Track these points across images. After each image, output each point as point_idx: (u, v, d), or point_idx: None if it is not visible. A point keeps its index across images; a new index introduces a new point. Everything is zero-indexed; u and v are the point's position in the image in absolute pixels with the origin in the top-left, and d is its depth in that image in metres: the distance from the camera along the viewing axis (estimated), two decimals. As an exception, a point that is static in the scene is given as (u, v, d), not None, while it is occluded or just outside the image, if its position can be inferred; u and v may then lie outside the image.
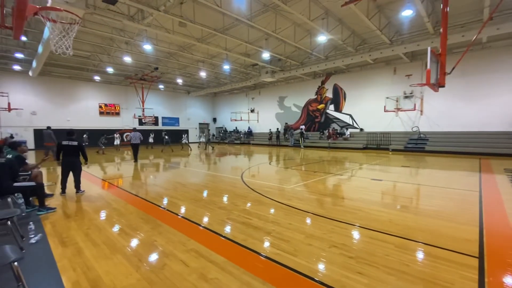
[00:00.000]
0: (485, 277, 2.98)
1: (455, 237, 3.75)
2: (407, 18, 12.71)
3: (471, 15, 12.18)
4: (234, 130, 31.90)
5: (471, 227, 4.02)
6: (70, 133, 5.96)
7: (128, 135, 12.95)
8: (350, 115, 20.44)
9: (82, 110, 24.01)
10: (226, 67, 20.36)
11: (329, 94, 21.96)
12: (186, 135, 23.21)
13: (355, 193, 5.80)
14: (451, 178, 7.34)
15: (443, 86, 6.73)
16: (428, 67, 6.15)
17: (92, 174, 9.23)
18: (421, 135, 15.96)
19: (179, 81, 26.25)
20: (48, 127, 13.02)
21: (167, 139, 21.67)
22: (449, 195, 5.54)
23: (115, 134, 21.51)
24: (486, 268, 3.11)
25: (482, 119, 14.39)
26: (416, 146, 15.45)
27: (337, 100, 21.42)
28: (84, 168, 10.64)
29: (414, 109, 16.51)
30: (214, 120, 35.89)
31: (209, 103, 35.77)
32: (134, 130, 12.85)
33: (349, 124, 20.52)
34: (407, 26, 13.59)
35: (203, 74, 22.66)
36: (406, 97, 17.04)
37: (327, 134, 19.47)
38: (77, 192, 5.97)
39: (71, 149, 5.83)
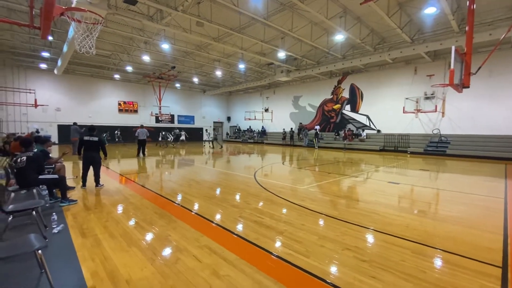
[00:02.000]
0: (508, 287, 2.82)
1: (476, 245, 3.57)
2: (430, 15, 12.20)
3: (499, 13, 11.50)
4: (247, 129, 32.02)
5: (495, 235, 3.81)
6: (91, 129, 6.23)
7: (135, 130, 13.58)
8: (367, 116, 20.02)
9: (103, 107, 24.96)
10: (242, 66, 20.45)
11: (346, 94, 21.59)
12: (182, 131, 22.93)
13: (371, 196, 5.67)
14: (474, 184, 6.99)
15: (468, 87, 6.41)
16: (452, 67, 5.87)
17: (111, 169, 9.57)
18: (442, 138, 15.30)
19: (195, 80, 26.67)
20: (75, 123, 13.68)
21: (181, 137, 22.06)
22: (472, 201, 5.28)
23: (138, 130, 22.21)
24: (510, 278, 2.94)
25: (509, 122, 13.58)
26: (437, 149, 14.83)
27: (354, 100, 21.02)
28: (103, 163, 11.06)
29: (435, 111, 15.85)
30: (229, 119, 36.19)
31: (224, 102, 36.09)
32: (142, 127, 13.52)
33: (366, 125, 20.12)
34: (430, 24, 13.04)
35: (218, 73, 22.89)
36: (427, 98, 16.40)
37: (343, 135, 19.14)
38: (96, 186, 6.22)
39: (92, 144, 6.08)
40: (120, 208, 4.76)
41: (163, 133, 22.74)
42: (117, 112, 25.93)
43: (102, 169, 10.11)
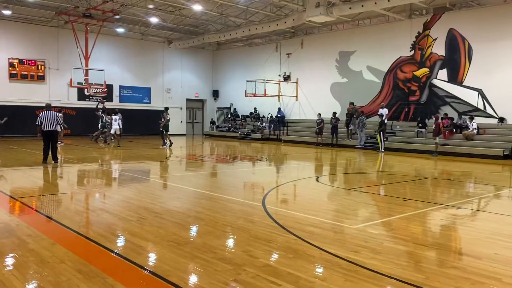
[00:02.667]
0: None
1: None
2: None
3: None
4: (251, 114, 32.15)
5: None
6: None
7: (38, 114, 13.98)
8: (480, 91, 19.96)
9: (-19, 71, 25.38)
10: (241, -6, 20.48)
11: (439, 50, 21.55)
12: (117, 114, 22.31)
13: (485, 245, 5.60)
14: None
15: None
16: None
17: (-6, 187, 9.66)
18: None
19: (153, 20, 26.84)
20: None
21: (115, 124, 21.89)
22: None
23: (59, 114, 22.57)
24: None
25: None
26: None
27: (454, 61, 20.97)
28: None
29: None
30: (215, 94, 36.42)
31: (207, 63, 36.35)
32: (49, 108, 13.99)
33: (477, 109, 19.98)
34: None
35: (197, 7, 22.98)
36: None
37: (434, 126, 19.00)
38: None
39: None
40: (10, 262, 4.79)
41: (103, 118, 22.77)
42: (6, 79, 26.34)
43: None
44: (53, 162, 13.67)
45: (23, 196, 8.64)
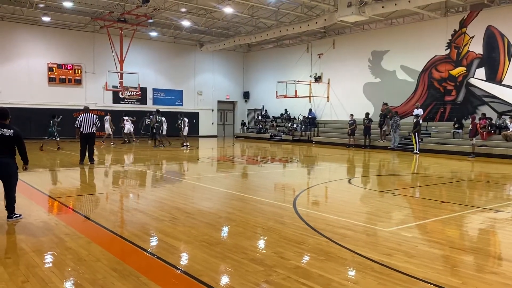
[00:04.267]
0: None
1: None
2: None
3: None
4: (282, 115, 32.10)
5: None
6: (1, 115, 6.55)
7: (77, 116, 14.53)
8: (521, 90, 19.20)
9: (20, 75, 26.40)
10: (272, -4, 20.49)
11: (476, 48, 20.94)
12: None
13: (528, 250, 5.46)
14: None
15: None
16: None
17: (32, 186, 10.05)
18: None
19: (185, 23, 27.24)
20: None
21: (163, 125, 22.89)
22: None
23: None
24: None
25: None
26: None
27: (493, 59, 20.32)
28: (21, 174, 11.63)
29: None
30: (246, 95, 36.58)
31: (238, 64, 36.57)
32: (86, 110, 14.37)
33: (518, 109, 19.29)
34: None
35: (228, 10, 23.17)
36: None
37: (470, 127, 18.46)
38: (9, 217, 6.55)
39: (0, 142, 6.40)
40: (49, 259, 4.96)
41: (152, 119, 23.55)
42: (45, 83, 27.33)
43: (20, 185, 10.66)
44: (89, 163, 13.95)
45: (61, 196, 8.94)
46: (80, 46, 28.31)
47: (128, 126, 24.70)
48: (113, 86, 26.62)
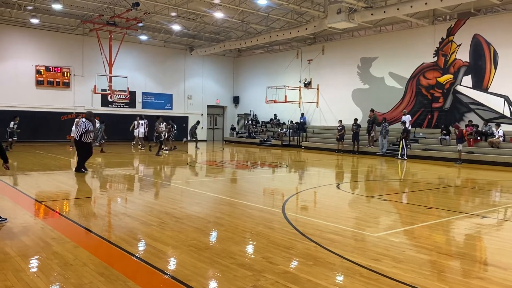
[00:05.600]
0: None
1: None
2: None
3: None
4: (271, 120, 32.16)
5: None
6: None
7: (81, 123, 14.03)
8: (506, 98, 19.61)
9: (7, 77, 26.09)
10: (262, 1, 20.64)
11: (463, 55, 21.20)
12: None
13: (511, 255, 5.52)
14: None
15: None
16: None
17: (18, 190, 9.89)
18: None
19: (176, 28, 27.21)
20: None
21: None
22: None
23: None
24: None
25: None
26: None
27: (479, 67, 20.61)
28: (6, 177, 11.50)
29: None
30: (235, 100, 36.60)
31: (228, 69, 36.59)
32: (90, 116, 13.39)
33: (503, 116, 19.62)
34: None
35: (219, 14, 23.19)
36: None
37: (456, 133, 18.69)
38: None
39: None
40: (35, 264, 4.90)
41: (162, 124, 22.95)
42: (33, 85, 27.05)
43: (5, 189, 10.53)
44: (82, 170, 13.09)
45: (47, 200, 8.84)
46: (69, 49, 28.08)
47: (142, 130, 23.85)
48: (102, 90, 26.49)
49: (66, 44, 27.99)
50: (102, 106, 29.12)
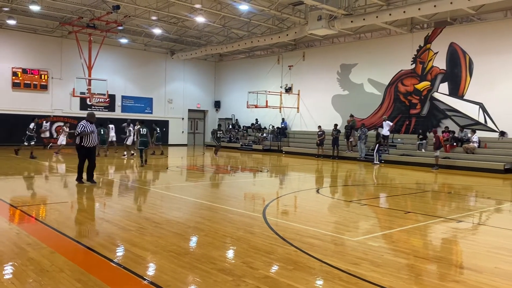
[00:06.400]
0: None
1: None
2: None
3: None
4: (253, 125, 32.20)
5: None
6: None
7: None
8: (480, 105, 19.99)
9: (-15, 80, 25.52)
10: (244, 6, 20.68)
11: (439, 63, 21.62)
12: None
13: (486, 259, 5.60)
14: None
15: None
16: None
17: (-5, 195, 9.66)
18: None
19: (156, 31, 27.03)
20: None
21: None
22: None
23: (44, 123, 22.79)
24: None
25: None
26: None
27: (455, 74, 21.05)
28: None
29: None
30: (217, 105, 36.53)
31: (209, 74, 36.52)
32: (91, 117, 11.66)
33: (478, 122, 20.02)
34: None
35: (200, 19, 23.15)
36: None
37: (434, 140, 19.03)
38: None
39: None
40: (9, 270, 4.78)
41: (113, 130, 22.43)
42: (9, 87, 26.47)
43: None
44: (89, 182, 11.48)
45: (23, 205, 8.65)
46: (47, 51, 27.62)
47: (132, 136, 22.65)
48: (81, 93, 26.09)
49: (44, 46, 27.52)
50: (80, 109, 28.68)
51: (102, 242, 5.93)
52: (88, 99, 26.66)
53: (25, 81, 26.78)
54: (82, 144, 11.03)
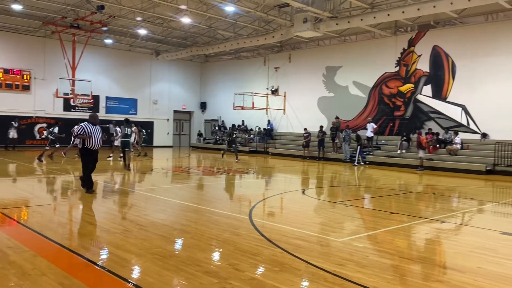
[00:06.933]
0: None
1: None
2: None
3: None
4: (239, 126, 32.15)
5: None
6: None
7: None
8: (463, 107, 20.28)
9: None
10: (230, 8, 20.66)
11: (423, 66, 21.87)
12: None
13: (469, 259, 5.68)
14: None
15: None
16: None
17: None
18: None
19: (142, 32, 26.84)
20: None
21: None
22: None
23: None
24: None
25: None
26: None
27: (439, 77, 21.31)
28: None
29: None
30: (203, 106, 36.40)
31: (195, 75, 36.39)
32: (94, 119, 10.67)
33: (460, 124, 20.29)
34: None
35: (186, 20, 23.06)
36: None
37: (417, 141, 19.25)
38: None
39: None
40: (-10, 273, 4.68)
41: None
42: (-8, 88, 25.98)
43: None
44: (89, 190, 10.42)
45: (4, 208, 8.48)
46: (29, 51, 27.20)
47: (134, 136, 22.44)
48: (64, 93, 25.74)
49: (27, 46, 27.11)
50: (64, 110, 28.35)
51: (86, 245, 5.86)
52: (71, 100, 26.31)
53: (7, 82, 26.32)
54: (86, 146, 10.12)
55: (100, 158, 10.91)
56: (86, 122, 10.30)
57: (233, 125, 22.24)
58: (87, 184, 10.31)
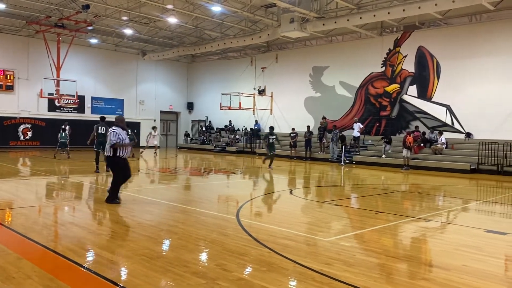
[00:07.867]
0: None
1: None
2: None
3: None
4: (226, 127, 32.13)
5: None
6: None
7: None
8: (447, 107, 20.56)
9: None
10: (217, 8, 20.62)
11: (408, 66, 22.11)
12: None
13: (454, 257, 5.74)
14: None
15: None
16: None
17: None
18: None
19: (127, 32, 26.64)
20: None
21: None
22: None
23: None
24: None
25: None
26: None
27: (424, 77, 21.56)
28: None
29: None
30: (190, 106, 36.27)
31: (181, 75, 36.26)
32: (122, 122, 9.50)
33: (445, 124, 20.55)
34: None
35: (172, 20, 22.95)
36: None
37: (403, 141, 19.45)
38: None
39: None
40: (-27, 277, 4.60)
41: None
42: (-26, 89, 25.54)
43: None
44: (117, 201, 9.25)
45: (-12, 210, 8.35)
46: (13, 51, 26.81)
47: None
48: (49, 94, 25.44)
49: (10, 45, 26.72)
50: (49, 111, 28.00)
51: (72, 247, 5.79)
52: (56, 100, 25.99)
53: (-10, 82, 25.92)
54: (118, 155, 8.89)
55: (87, 159, 10.77)
56: (116, 126, 9.01)
57: (271, 127, 19.79)
58: (115, 196, 9.12)
